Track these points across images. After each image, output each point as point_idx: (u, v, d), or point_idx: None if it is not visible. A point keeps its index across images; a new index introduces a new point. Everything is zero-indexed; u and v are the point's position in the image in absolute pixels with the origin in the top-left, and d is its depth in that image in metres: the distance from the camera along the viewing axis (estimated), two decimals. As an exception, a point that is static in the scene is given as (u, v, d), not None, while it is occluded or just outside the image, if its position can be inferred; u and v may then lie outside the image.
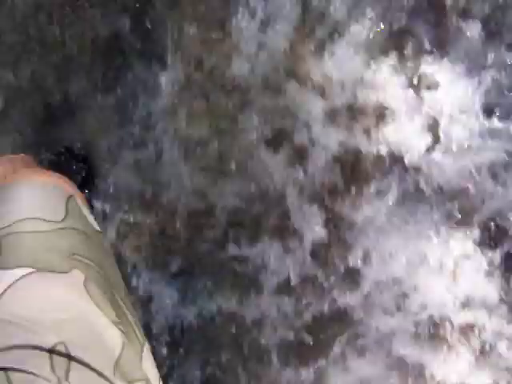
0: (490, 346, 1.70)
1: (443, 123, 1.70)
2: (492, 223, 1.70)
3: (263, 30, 1.77)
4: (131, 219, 1.77)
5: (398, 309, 1.73)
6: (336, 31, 1.74)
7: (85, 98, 1.89)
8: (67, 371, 0.83)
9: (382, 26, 1.70)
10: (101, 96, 1.87)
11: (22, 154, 1.23)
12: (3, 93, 1.96)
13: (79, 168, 1.77)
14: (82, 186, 1.77)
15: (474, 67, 1.68)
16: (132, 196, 1.76)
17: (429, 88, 1.70)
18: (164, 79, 1.81)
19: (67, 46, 1.89)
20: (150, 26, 1.86)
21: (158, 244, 1.83)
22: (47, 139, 1.92)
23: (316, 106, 1.74)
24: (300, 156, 1.77)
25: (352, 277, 1.75)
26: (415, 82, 1.71)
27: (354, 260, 1.75)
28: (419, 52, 1.70)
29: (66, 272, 0.95)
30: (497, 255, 1.70)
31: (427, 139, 1.74)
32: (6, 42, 1.93)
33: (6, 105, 1.96)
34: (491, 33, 1.68)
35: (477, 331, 1.71)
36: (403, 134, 1.73)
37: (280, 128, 1.77)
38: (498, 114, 1.67)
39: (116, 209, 1.77)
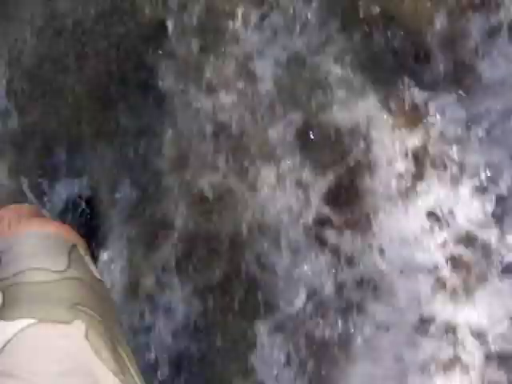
0: None
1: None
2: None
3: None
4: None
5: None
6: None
7: (87, 143, 1.93)
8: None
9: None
10: (103, 141, 1.91)
11: (27, 204, 1.26)
12: (8, 137, 2.00)
13: (83, 213, 1.80)
14: (85, 231, 1.78)
15: None
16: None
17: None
18: (167, 125, 1.85)
19: (71, 93, 1.94)
20: (153, 72, 1.90)
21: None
22: (50, 182, 1.96)
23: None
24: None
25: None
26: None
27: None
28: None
29: (68, 323, 0.96)
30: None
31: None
32: (12, 89, 1.97)
33: (10, 149, 2.00)
34: None
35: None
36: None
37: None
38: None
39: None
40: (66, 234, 1.14)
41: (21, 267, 1.03)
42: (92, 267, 1.14)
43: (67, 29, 1.92)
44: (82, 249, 1.14)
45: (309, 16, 1.73)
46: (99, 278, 1.14)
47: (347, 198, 1.70)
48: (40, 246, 1.08)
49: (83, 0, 1.89)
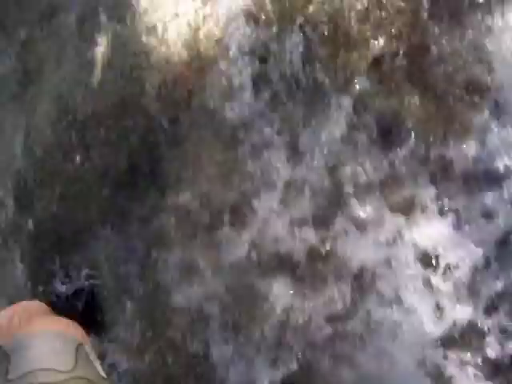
0: None
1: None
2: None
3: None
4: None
5: None
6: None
7: (94, 229, 2.00)
8: None
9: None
10: (109, 229, 1.98)
11: (37, 301, 1.32)
12: (17, 225, 2.08)
13: (86, 300, 1.85)
14: (88, 318, 1.83)
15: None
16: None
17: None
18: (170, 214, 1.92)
19: (80, 182, 2.03)
20: (161, 164, 1.98)
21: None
22: (55, 266, 2.02)
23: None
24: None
25: None
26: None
27: None
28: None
29: (73, 424, 1.01)
30: None
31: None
32: (25, 178, 2.07)
33: (16, 232, 2.07)
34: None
35: None
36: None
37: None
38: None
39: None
40: (74, 332, 1.20)
41: (30, 368, 1.09)
42: (97, 365, 1.19)
43: (78, 120, 2.02)
44: (88, 347, 1.20)
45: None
46: (104, 375, 1.19)
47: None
48: (49, 345, 1.14)
49: (94, 95, 2.00)
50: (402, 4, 1.65)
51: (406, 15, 1.65)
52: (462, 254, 1.56)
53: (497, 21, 1.56)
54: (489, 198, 1.55)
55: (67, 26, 2.06)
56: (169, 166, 1.95)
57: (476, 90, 1.57)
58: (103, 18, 2.04)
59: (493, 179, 1.55)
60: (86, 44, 2.03)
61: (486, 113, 1.55)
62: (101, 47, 2.01)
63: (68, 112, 2.03)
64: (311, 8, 1.78)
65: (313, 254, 1.71)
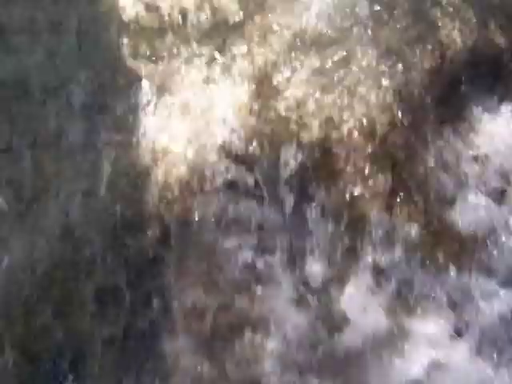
0: None
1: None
2: None
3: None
4: None
5: None
6: None
7: (91, 348, 2.00)
8: None
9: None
10: (102, 342, 1.99)
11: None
12: (15, 338, 2.08)
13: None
14: None
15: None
16: None
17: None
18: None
19: (79, 299, 2.05)
20: (159, 280, 2.03)
21: None
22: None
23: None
24: None
25: None
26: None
27: None
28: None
29: None
30: None
31: None
32: (23, 293, 2.09)
33: (16, 353, 2.07)
34: None
35: None
36: None
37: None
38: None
39: None
40: None
41: None
42: None
43: (81, 240, 2.07)
44: None
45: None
46: None
47: None
48: None
49: (95, 214, 2.07)
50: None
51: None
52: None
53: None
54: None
55: (73, 148, 2.16)
56: (167, 282, 2.01)
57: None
58: (106, 140, 2.15)
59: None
60: (89, 165, 2.13)
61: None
62: (104, 169, 2.10)
63: (70, 230, 2.09)
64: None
65: None
